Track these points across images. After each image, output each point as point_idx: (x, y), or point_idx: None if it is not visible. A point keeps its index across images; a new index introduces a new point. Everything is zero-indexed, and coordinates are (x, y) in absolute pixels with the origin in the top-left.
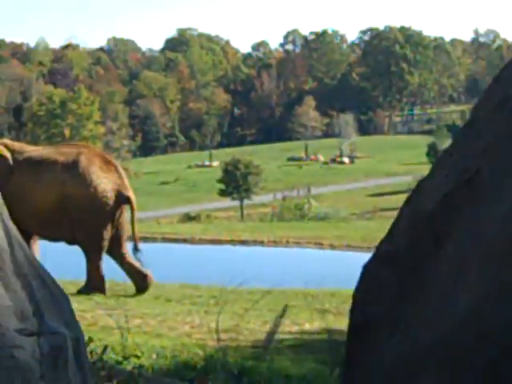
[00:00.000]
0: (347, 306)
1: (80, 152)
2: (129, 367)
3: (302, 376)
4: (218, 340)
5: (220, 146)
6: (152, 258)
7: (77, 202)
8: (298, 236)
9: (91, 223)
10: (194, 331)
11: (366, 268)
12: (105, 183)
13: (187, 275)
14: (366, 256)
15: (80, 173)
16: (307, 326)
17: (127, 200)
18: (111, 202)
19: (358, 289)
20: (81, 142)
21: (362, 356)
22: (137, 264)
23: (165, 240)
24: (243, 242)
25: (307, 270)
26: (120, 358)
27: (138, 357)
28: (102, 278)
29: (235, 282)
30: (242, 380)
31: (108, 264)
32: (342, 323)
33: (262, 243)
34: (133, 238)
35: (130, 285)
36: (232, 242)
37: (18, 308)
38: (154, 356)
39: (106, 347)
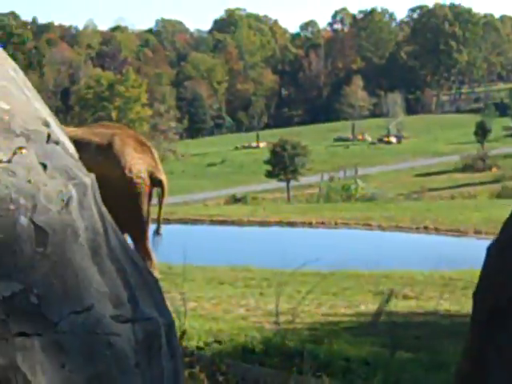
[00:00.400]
0: (401, 288)
1: (114, 133)
2: (209, 353)
3: (362, 359)
4: (277, 323)
5: (267, 126)
6: (201, 240)
7: (112, 184)
8: (346, 217)
9: (129, 205)
10: (249, 314)
11: (492, 251)
12: (140, 164)
13: (238, 257)
14: (416, 237)
15: (115, 154)
16: (363, 308)
17: (159, 183)
18: (146, 183)
19: (485, 273)
20: (113, 123)
21: (503, 343)
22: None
23: (213, 222)
24: (291, 224)
25: (358, 252)
26: (201, 344)
27: (219, 342)
28: (151, 258)
29: (287, 263)
30: (301, 363)
31: (160, 247)
32: (398, 305)
33: (310, 225)
34: (157, 221)
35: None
36: (280, 224)
37: (113, 294)
38: (212, 339)
39: (183, 332)
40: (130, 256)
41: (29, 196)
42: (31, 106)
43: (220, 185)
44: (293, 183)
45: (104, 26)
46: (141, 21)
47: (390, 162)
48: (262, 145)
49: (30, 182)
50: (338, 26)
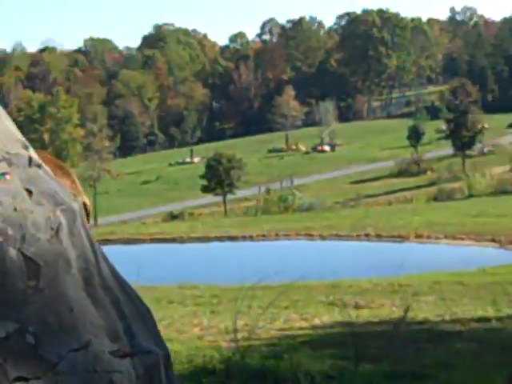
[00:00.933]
0: (352, 298)
1: None
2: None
3: (325, 372)
4: (236, 341)
5: (200, 141)
6: (144, 259)
7: None
8: (286, 228)
9: None
10: (204, 333)
11: None
12: None
13: (183, 275)
14: (358, 245)
15: None
16: (317, 321)
17: (83, 205)
18: None
19: None
20: (42, 148)
21: None
22: None
23: (153, 241)
24: (232, 238)
25: (302, 263)
26: (184, 371)
27: (204, 368)
28: None
29: (233, 279)
30: (265, 380)
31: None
32: (352, 315)
33: (251, 238)
34: None
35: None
36: (221, 239)
37: (109, 327)
38: (190, 366)
39: None
40: (121, 284)
41: (16, 225)
42: (6, 128)
43: (156, 202)
44: (229, 197)
45: (32, 47)
46: (69, 41)
47: (324, 170)
48: (196, 160)
49: (16, 209)
50: (266, 37)
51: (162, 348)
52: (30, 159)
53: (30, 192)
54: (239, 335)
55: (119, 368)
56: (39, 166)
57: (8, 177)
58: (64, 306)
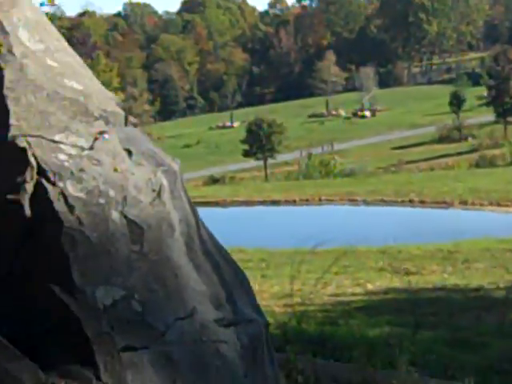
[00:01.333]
0: (402, 264)
1: None
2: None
3: (383, 340)
4: (292, 306)
5: (240, 106)
6: None
7: None
8: (329, 193)
9: None
10: (257, 298)
11: None
12: None
13: (227, 239)
14: (403, 210)
15: None
16: (369, 287)
17: None
18: None
19: None
20: None
21: None
22: None
23: (196, 204)
24: (275, 203)
25: (348, 228)
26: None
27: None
28: None
29: (279, 243)
30: (323, 346)
31: None
32: (405, 281)
33: (294, 202)
34: None
35: None
36: (264, 203)
37: (212, 293)
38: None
39: None
40: (219, 248)
41: (117, 187)
42: (98, 85)
43: (197, 166)
44: (269, 161)
45: (72, 11)
46: (108, 5)
47: (365, 135)
48: (235, 124)
49: (116, 170)
50: (306, 2)
51: (261, 317)
52: (126, 118)
53: (129, 152)
54: (293, 300)
55: (224, 338)
56: (135, 125)
57: (106, 136)
58: (168, 272)
